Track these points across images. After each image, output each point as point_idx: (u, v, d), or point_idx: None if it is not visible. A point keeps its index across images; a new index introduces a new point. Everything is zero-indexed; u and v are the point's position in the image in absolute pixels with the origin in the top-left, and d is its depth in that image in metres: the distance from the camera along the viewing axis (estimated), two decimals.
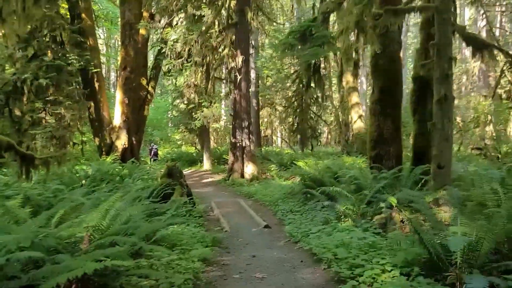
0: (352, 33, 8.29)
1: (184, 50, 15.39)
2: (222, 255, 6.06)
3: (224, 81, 16.46)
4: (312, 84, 17.65)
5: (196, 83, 15.05)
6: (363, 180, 8.86)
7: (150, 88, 21.85)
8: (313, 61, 9.07)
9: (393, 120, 9.62)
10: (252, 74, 30.22)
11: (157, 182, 10.79)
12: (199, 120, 16.27)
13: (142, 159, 28.63)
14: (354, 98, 27.26)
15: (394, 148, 9.67)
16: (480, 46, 8.21)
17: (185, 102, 16.47)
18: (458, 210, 4.55)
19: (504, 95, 27.89)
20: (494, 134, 23.68)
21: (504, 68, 25.80)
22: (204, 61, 15.14)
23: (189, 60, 15.77)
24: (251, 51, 27.79)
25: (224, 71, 20.01)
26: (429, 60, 8.56)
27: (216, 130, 25.71)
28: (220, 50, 16.26)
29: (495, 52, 8.71)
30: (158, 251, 4.52)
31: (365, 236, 5.51)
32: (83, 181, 10.99)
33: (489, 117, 25.51)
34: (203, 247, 6.02)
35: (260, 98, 34.00)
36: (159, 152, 32.90)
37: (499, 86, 28.07)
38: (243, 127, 16.00)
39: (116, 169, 13.41)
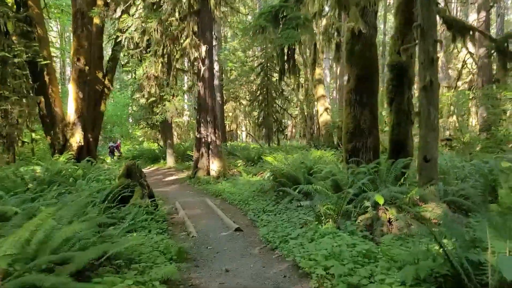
0: (333, 11, 7.59)
1: (142, 40, 14.25)
2: (190, 270, 5.19)
3: (187, 73, 15.39)
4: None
5: (156, 75, 13.94)
6: (341, 176, 8.20)
7: (106, 82, 20.48)
8: (287, 46, 8.27)
9: (371, 110, 9.01)
10: (216, 67, 29.23)
11: (114, 183, 9.74)
12: (161, 114, 15.17)
13: (101, 157, 27.13)
14: (320, 90, 26.87)
15: (372, 140, 9.06)
16: (462, 30, 7.71)
17: (145, 96, 15.31)
18: (487, 220, 3.81)
19: (465, 86, 28.29)
20: (457, 125, 23.85)
21: (466, 59, 26.05)
22: (165, 51, 14.05)
23: (148, 50, 14.63)
24: (214, 42, 26.81)
25: (186, 64, 18.93)
26: (408, 45, 7.97)
27: (179, 125, 24.57)
28: (181, 40, 15.22)
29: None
30: (109, 276, 3.61)
31: (354, 242, 4.79)
32: (30, 185, 9.79)
33: (452, 108, 25.75)
34: (167, 261, 5.14)
35: (224, 92, 33.07)
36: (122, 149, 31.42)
37: (460, 78, 28.44)
38: (208, 121, 15.08)
39: (69, 170, 12.21)
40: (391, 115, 9.47)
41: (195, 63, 14.80)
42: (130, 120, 37.76)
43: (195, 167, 15.70)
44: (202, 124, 15.16)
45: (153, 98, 15.20)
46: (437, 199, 6.35)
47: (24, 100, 17.95)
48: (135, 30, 13.70)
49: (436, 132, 6.58)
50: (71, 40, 18.55)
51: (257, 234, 7.26)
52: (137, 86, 15.26)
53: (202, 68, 14.13)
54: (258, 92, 29.45)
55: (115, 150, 28.97)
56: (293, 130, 47.97)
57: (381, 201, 5.77)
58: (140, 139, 37.68)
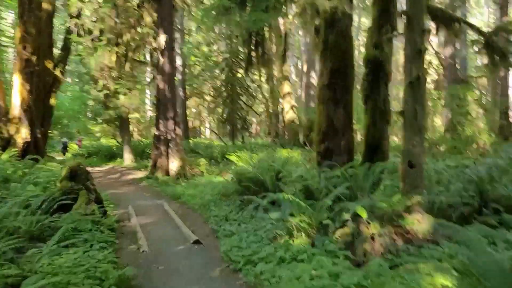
0: None
1: (96, 27, 12.92)
2: None
3: (145, 65, 14.15)
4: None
5: (110, 65, 12.65)
6: (312, 181, 7.36)
7: (58, 73, 18.85)
8: (255, 32, 7.33)
9: (345, 108, 8.22)
10: (179, 61, 27.92)
11: (55, 187, 8.51)
12: (115, 109, 13.86)
13: (50, 154, 25.30)
14: (286, 87, 26.16)
15: (346, 140, 8.29)
16: (447, 21, 7.06)
17: (98, 89, 13.95)
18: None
19: (431, 86, 28.38)
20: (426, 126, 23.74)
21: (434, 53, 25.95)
22: (121, 40, 12.79)
23: (101, 38, 13.29)
24: (177, 35, 25.53)
25: (149, 57, 17.56)
26: (389, 34, 7.22)
27: (139, 121, 23.07)
28: (139, 29, 13.98)
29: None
30: None
31: (337, 270, 3.91)
32: None
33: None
34: None
35: (187, 87, 31.76)
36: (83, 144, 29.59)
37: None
38: (168, 117, 13.94)
39: (7, 170, 10.80)
40: (366, 113, 8.73)
41: (154, 54, 13.60)
42: (89, 115, 35.66)
43: (154, 167, 14.53)
44: (161, 120, 14.00)
45: (106, 92, 13.85)
46: (423, 210, 5.60)
47: None
48: (87, 16, 12.35)
49: (422, 133, 5.83)
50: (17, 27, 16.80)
51: (218, 248, 6.30)
52: (89, 78, 13.87)
53: (161, 59, 12.96)
54: (223, 88, 28.40)
55: (77, 145, 27.18)
56: (258, 128, 47.22)
57: (363, 214, 4.95)
58: (97, 135, 35.74)
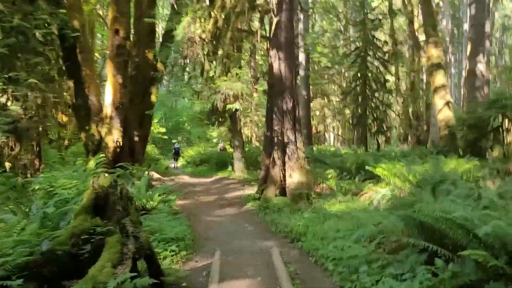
0: None
1: None
2: None
3: (253, 36, 9.93)
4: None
5: (204, 37, 8.71)
6: None
7: (159, 65, 15.96)
8: None
9: None
10: (301, 56, 23.74)
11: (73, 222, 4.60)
12: (211, 97, 9.83)
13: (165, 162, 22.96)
14: (440, 78, 20.04)
15: None
16: None
17: (187, 69, 10.16)
18: None
19: None
20: None
21: None
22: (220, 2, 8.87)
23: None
24: (300, 16, 21.36)
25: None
26: None
27: (252, 121, 19.34)
28: None
29: None
30: None
31: None
32: None
33: None
34: None
35: (311, 87, 27.37)
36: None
37: None
38: (285, 110, 9.62)
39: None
40: None
41: (265, 21, 9.45)
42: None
43: (264, 181, 10.30)
44: (274, 115, 9.74)
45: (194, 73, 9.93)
46: None
47: (49, 86, 14.03)
48: None
49: None
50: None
51: None
52: (174, 53, 10.14)
53: (275, 20, 8.66)
54: (354, 83, 23.39)
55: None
56: (388, 133, 40.68)
57: None
58: (214, 140, 33.28)
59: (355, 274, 4.69)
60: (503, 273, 3.13)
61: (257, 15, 9.83)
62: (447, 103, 19.95)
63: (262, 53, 18.72)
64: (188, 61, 10.13)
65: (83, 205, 4.37)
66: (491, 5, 22.43)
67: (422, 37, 24.93)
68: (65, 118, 17.04)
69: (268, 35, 9.78)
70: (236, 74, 10.06)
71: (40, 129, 13.80)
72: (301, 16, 22.90)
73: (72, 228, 4.19)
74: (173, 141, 28.79)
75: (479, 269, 3.32)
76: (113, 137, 13.49)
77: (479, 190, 6.21)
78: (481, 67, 18.60)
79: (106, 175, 4.65)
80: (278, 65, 9.56)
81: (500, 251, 3.31)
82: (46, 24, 13.40)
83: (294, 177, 9.79)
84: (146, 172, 12.68)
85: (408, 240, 4.58)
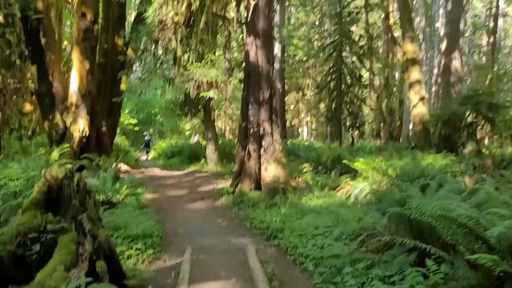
0: None
1: None
2: None
3: (229, 22, 9.40)
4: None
5: (176, 20, 8.14)
6: None
7: (129, 51, 15.24)
8: None
9: None
10: (276, 47, 23.31)
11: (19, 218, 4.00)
12: (183, 85, 9.22)
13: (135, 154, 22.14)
14: (415, 73, 20.04)
15: None
16: None
17: (158, 53, 9.55)
18: None
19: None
20: None
21: None
22: None
23: None
24: (276, 6, 20.89)
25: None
26: None
27: (226, 113, 18.77)
28: None
29: None
30: None
31: None
32: None
33: None
34: None
35: (286, 80, 27.03)
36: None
37: None
38: (261, 100, 9.19)
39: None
40: None
41: (240, 7, 8.96)
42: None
43: (238, 175, 9.85)
44: (251, 106, 9.28)
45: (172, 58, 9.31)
46: None
47: (9, 71, 13.20)
48: None
49: None
50: None
51: None
52: (145, 37, 9.54)
53: (252, 4, 8.19)
54: (329, 77, 23.15)
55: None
56: (362, 128, 40.93)
57: None
58: (187, 132, 32.56)
59: (338, 275, 4.32)
60: (509, 277, 2.81)
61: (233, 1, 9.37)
62: (422, 99, 20.00)
63: (238, 43, 18.21)
64: (159, 46, 9.47)
65: (32, 199, 3.81)
66: (464, 1, 22.49)
67: (397, 33, 25.03)
68: (28, 106, 16.10)
69: (244, 21, 9.30)
70: (211, 60, 9.51)
71: None
72: (277, 7, 22.48)
73: (17, 226, 3.64)
74: (145, 133, 27.87)
75: (484, 273, 2.98)
76: (79, 127, 12.72)
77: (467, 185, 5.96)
78: (456, 63, 18.65)
79: (62, 165, 4.10)
80: (255, 53, 9.10)
81: (504, 253, 2.98)
82: (7, 5, 12.54)
83: (270, 171, 9.38)
84: (114, 164, 11.99)
85: (394, 238, 4.24)
